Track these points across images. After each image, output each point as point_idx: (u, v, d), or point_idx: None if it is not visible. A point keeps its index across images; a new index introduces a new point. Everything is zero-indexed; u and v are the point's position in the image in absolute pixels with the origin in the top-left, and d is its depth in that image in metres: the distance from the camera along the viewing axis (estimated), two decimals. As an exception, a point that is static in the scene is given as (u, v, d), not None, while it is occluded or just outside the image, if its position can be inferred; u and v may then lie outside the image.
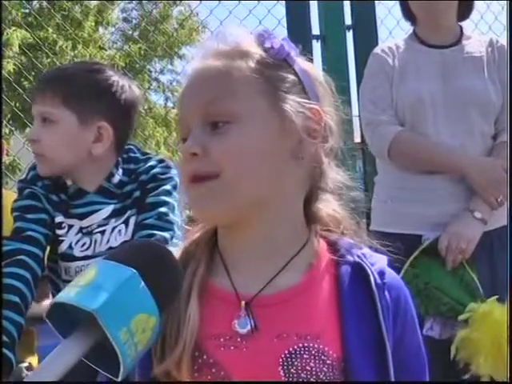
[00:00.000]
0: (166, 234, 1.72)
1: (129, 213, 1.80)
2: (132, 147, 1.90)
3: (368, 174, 2.94)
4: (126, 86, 1.84)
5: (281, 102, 1.01)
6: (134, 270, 0.80)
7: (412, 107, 2.35)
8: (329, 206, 1.09)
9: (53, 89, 1.77)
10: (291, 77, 1.04)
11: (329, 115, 1.05)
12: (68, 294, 0.78)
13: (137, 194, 1.80)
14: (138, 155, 1.87)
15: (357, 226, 1.10)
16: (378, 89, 2.39)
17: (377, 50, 2.49)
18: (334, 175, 1.08)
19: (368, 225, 2.43)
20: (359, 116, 2.88)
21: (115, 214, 1.80)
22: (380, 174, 2.51)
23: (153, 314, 0.80)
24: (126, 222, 1.79)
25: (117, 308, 0.77)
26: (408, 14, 2.52)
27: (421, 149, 2.34)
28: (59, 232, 1.80)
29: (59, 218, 1.80)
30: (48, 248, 1.81)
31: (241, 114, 1.00)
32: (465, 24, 2.54)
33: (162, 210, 1.76)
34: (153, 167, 1.82)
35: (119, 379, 0.79)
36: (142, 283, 0.80)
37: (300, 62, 1.06)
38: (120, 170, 1.84)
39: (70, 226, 1.80)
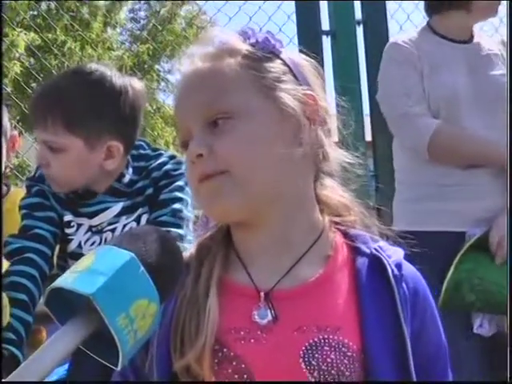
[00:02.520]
0: (181, 231, 1.69)
1: (140, 210, 1.78)
2: (142, 143, 1.86)
3: (379, 173, 2.92)
4: (128, 88, 1.75)
5: (275, 92, 1.02)
6: (133, 254, 0.78)
7: (447, 100, 2.31)
8: (336, 192, 1.09)
9: (52, 114, 1.68)
10: (281, 66, 1.05)
11: (323, 98, 1.07)
12: (65, 280, 0.77)
13: (149, 191, 1.78)
14: (148, 152, 1.84)
15: (366, 211, 1.10)
16: (408, 80, 2.33)
17: (397, 40, 2.44)
18: (337, 155, 1.08)
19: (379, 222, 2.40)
20: (370, 114, 2.85)
21: (126, 211, 1.78)
22: (405, 173, 2.45)
23: (153, 299, 0.79)
24: (138, 220, 1.77)
25: (115, 293, 0.75)
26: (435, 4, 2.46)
27: (464, 143, 2.31)
28: (68, 231, 1.78)
29: (68, 217, 1.78)
30: (58, 246, 1.79)
31: (238, 110, 1.00)
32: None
33: (176, 206, 1.73)
34: (164, 164, 1.79)
35: (118, 367, 0.77)
36: (142, 268, 0.78)
37: (287, 52, 1.08)
38: (130, 170, 1.81)
39: (80, 225, 1.79)
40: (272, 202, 1.02)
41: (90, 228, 1.79)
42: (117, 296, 0.76)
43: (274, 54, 1.05)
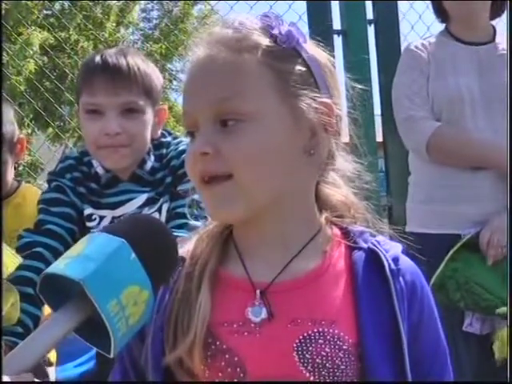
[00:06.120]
0: (199, 223, 1.69)
1: (161, 200, 1.78)
2: (164, 132, 1.88)
3: (390, 174, 2.92)
4: None
5: (293, 99, 0.99)
6: (124, 240, 0.77)
7: (450, 103, 2.37)
8: (337, 190, 1.08)
9: (136, 80, 1.75)
10: (301, 68, 1.01)
11: (339, 106, 1.04)
12: (57, 266, 0.77)
13: (169, 179, 1.78)
14: (169, 139, 1.85)
15: (369, 213, 1.09)
16: (414, 84, 2.40)
17: (410, 46, 2.52)
18: (346, 165, 1.07)
19: (389, 222, 2.44)
20: (382, 115, 2.88)
21: (149, 202, 1.78)
22: (416, 175, 2.51)
23: (145, 286, 0.78)
24: (159, 210, 1.77)
25: (106, 278, 0.75)
26: (440, 12, 2.53)
27: (463, 144, 2.35)
28: (90, 224, 1.78)
29: (88, 211, 1.78)
30: None
31: (252, 113, 0.98)
32: (496, 23, 2.56)
33: (195, 197, 1.73)
34: (184, 152, 1.78)
35: (111, 355, 0.77)
36: (133, 254, 0.77)
37: (309, 49, 1.04)
38: (152, 157, 1.82)
39: (102, 218, 1.78)
40: (272, 205, 1.01)
41: (112, 220, 1.78)
42: (108, 282, 0.75)
43: (296, 51, 1.02)
